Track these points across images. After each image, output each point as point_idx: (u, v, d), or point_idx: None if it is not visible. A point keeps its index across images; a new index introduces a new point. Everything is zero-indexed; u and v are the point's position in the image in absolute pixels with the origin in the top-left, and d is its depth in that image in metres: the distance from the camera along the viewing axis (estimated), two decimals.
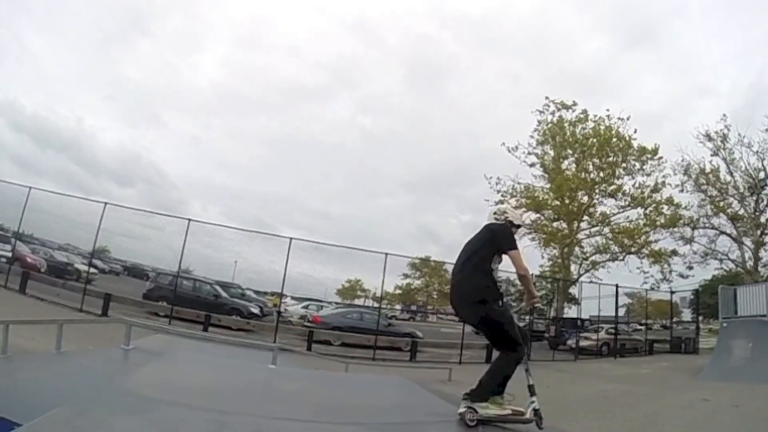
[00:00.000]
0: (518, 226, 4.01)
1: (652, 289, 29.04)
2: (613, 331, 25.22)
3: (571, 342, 24.71)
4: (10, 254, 18.67)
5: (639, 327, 29.56)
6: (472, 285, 3.71)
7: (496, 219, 3.95)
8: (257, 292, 25.02)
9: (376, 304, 38.95)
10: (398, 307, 40.22)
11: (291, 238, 18.79)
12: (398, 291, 40.29)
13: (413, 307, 42.87)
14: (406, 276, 38.34)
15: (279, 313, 20.34)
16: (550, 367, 19.18)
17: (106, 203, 18.03)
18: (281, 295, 20.39)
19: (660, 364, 20.85)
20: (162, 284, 19.88)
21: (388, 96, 66.24)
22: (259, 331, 18.70)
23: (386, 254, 19.36)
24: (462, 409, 3.45)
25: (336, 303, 22.29)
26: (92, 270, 23.02)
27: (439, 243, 59.65)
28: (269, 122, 70.69)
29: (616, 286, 25.25)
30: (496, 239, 3.74)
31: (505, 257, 3.79)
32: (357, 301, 37.76)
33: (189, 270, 22.24)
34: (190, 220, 18.67)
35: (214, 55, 72.73)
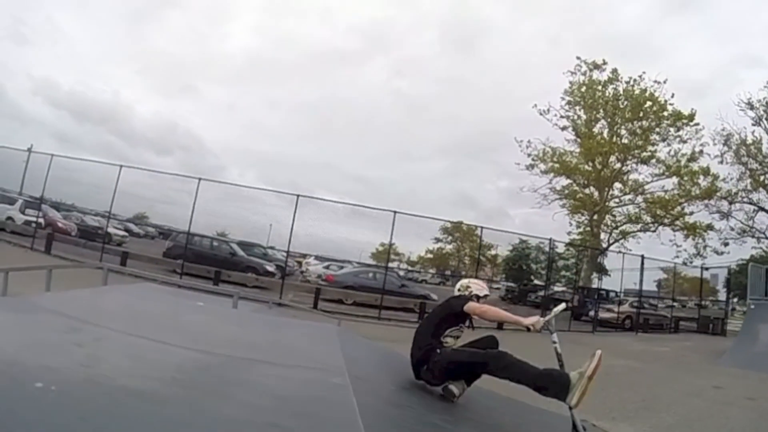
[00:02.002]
0: (485, 296, 4.00)
1: (684, 264, 27.50)
2: (637, 304, 24.06)
3: (593, 313, 23.72)
4: (40, 220, 20.14)
5: (673, 303, 28.34)
6: (414, 348, 3.75)
7: (459, 293, 3.98)
8: (288, 253, 25.08)
9: (410, 268, 39.54)
10: (432, 271, 39.98)
11: (298, 195, 18.98)
12: (429, 255, 39.78)
13: (447, 272, 42.31)
14: (437, 240, 37.60)
15: (285, 270, 20.66)
16: (565, 337, 17.81)
17: (121, 166, 19.09)
18: (287, 253, 20.29)
19: (682, 343, 19.70)
20: (180, 243, 20.45)
21: (423, 59, 63.86)
22: (275, 288, 18.89)
23: (394, 212, 19.22)
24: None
25: (358, 263, 21.89)
26: (123, 233, 26.44)
27: (476, 208, 58.50)
28: (303, 88, 69.92)
29: (642, 256, 23.86)
30: (447, 306, 3.85)
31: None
32: (391, 265, 37.24)
33: (224, 233, 23.75)
34: (200, 179, 19.16)
35: (245, 23, 71.43)
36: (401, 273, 37.57)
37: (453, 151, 64.63)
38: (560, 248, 29.60)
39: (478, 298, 3.93)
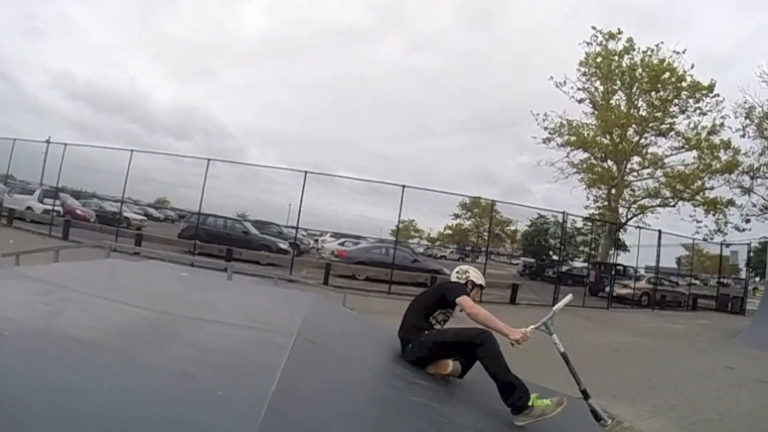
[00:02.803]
0: (481, 286, 3.98)
1: (705, 240, 26.76)
2: (654, 280, 23.55)
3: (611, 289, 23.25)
4: (58, 208, 21.19)
5: (694, 281, 27.76)
6: (402, 325, 3.75)
7: (458, 278, 3.93)
8: (307, 231, 26.08)
9: (429, 244, 39.37)
10: (452, 247, 39.71)
11: (306, 172, 19.12)
12: (448, 231, 39.60)
13: (467, 248, 42.00)
14: (456, 216, 37.18)
15: (299, 247, 21.36)
16: (577, 313, 18.18)
17: (132, 150, 19.62)
18: (296, 228, 20.65)
19: (698, 321, 19.25)
20: (194, 224, 20.90)
21: (439, 34, 62.80)
22: (289, 265, 19.18)
23: (403, 186, 19.12)
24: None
25: (374, 239, 21.78)
26: (141, 217, 27.57)
27: (497, 184, 58.06)
28: (319, 67, 69.34)
29: (659, 231, 23.29)
30: (440, 291, 3.79)
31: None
32: (410, 241, 37.10)
33: (244, 214, 24.41)
34: (209, 159, 19.61)
35: (258, 4, 71.81)
36: (420, 249, 37.75)
37: (473, 127, 63.94)
38: (579, 223, 29.18)
39: (474, 285, 3.92)
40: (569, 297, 3.55)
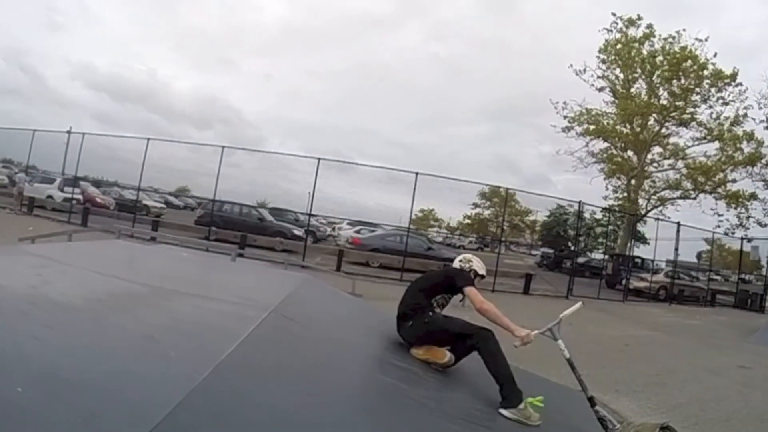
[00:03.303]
0: (482, 276, 3.99)
1: (726, 234, 26.00)
2: (672, 274, 23.12)
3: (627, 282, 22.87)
4: (78, 196, 21.91)
5: (713, 276, 27.18)
6: (403, 303, 3.69)
7: (461, 264, 3.94)
8: (326, 219, 26.98)
9: (449, 234, 39.17)
10: (472, 237, 39.44)
11: (319, 159, 19.17)
12: (467, 221, 39.30)
13: (487, 238, 41.65)
14: (476, 205, 36.83)
15: (313, 233, 21.98)
16: (591, 305, 17.89)
17: (148, 139, 19.84)
18: (309, 215, 20.77)
19: (715, 317, 18.84)
20: (209, 210, 21.38)
21: (460, 21, 61.95)
22: (307, 252, 19.31)
23: (416, 173, 19.07)
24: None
25: (390, 226, 21.76)
26: (161, 205, 28.46)
27: (519, 174, 57.49)
28: (339, 55, 69.58)
29: (678, 224, 22.74)
30: (449, 276, 3.77)
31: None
32: (430, 230, 37.12)
33: (265, 202, 25.05)
34: (224, 147, 19.69)
35: None
36: (439, 239, 37.60)
37: (493, 115, 63.32)
38: (598, 214, 28.73)
39: (476, 275, 3.92)
40: (578, 305, 3.54)
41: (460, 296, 3.70)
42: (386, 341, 3.62)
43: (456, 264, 4.02)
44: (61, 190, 22.50)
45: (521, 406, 2.94)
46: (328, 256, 19.78)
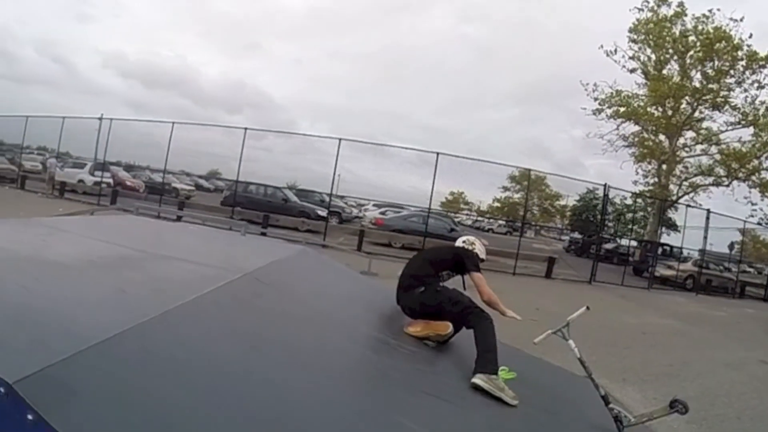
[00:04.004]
0: (482, 260, 3.89)
1: (759, 224, 25.09)
2: (700, 263, 22.44)
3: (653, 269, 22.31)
4: (108, 180, 22.91)
5: (748, 269, 26.35)
6: (410, 272, 3.67)
7: (464, 245, 3.87)
8: (355, 201, 27.51)
9: (479, 217, 38.82)
10: (501, 221, 39.05)
11: (340, 139, 19.25)
12: (497, 204, 38.83)
13: (517, 222, 41.35)
14: (505, 189, 36.23)
15: (334, 213, 22.44)
16: (613, 291, 17.63)
17: (173, 122, 20.46)
18: (330, 196, 20.81)
19: (743, 309, 18.18)
20: (236, 192, 21.81)
21: (490, 1, 60.36)
22: (330, 232, 19.70)
23: (437, 153, 19.08)
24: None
25: (416, 208, 21.61)
26: (190, 188, 29.28)
27: (550, 158, 56.40)
28: (368, 38, 68.80)
29: (707, 211, 22.01)
30: (458, 256, 3.73)
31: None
32: (459, 214, 36.82)
33: (294, 185, 25.42)
34: (246, 129, 20.04)
35: None
36: (469, 222, 37.28)
37: (524, 98, 62.11)
38: (628, 200, 28.03)
39: (477, 257, 3.87)
40: (583, 309, 3.51)
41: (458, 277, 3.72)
42: (371, 314, 3.59)
43: (459, 243, 3.96)
44: (92, 175, 23.50)
45: (495, 377, 2.82)
46: (350, 236, 19.98)
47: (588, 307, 3.52)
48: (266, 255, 4.04)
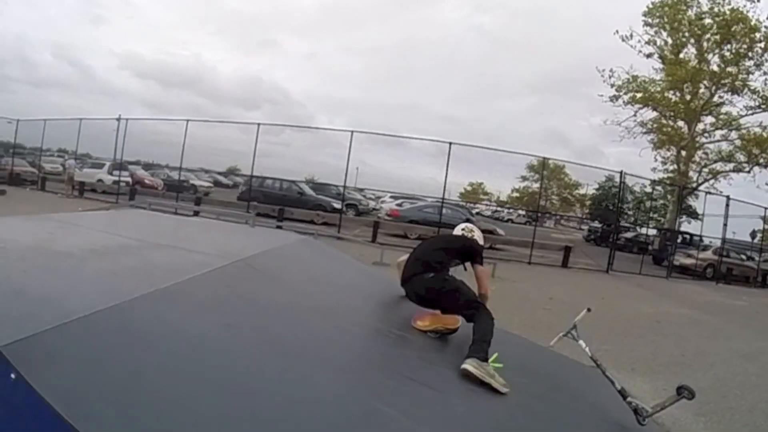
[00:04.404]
0: (483, 247, 4.00)
1: None
2: (720, 251, 21.98)
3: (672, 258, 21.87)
4: (127, 179, 23.73)
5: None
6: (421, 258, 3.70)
7: (464, 233, 3.98)
8: (373, 193, 28.38)
9: (498, 208, 38.59)
10: (522, 210, 38.85)
11: (352, 132, 19.48)
12: (516, 194, 38.78)
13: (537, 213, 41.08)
14: (524, 178, 35.92)
15: (350, 206, 23.21)
16: (631, 280, 17.40)
17: (187, 120, 20.97)
18: (344, 188, 21.15)
19: (763, 298, 17.67)
20: (252, 186, 22.23)
21: None
22: (347, 224, 20.32)
23: (450, 143, 19.01)
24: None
25: (433, 199, 21.61)
26: (208, 184, 30.58)
27: (569, 146, 55.79)
28: (382, 31, 68.42)
29: (727, 197, 21.50)
30: (467, 247, 3.80)
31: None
32: (478, 205, 37.34)
33: (313, 178, 25.58)
34: (259, 124, 20.50)
35: None
36: (488, 212, 37.09)
37: (542, 87, 61.63)
38: (648, 187, 27.58)
39: (482, 249, 3.95)
40: (584, 312, 3.50)
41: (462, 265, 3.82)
42: (362, 301, 3.64)
43: (458, 231, 4.03)
44: (111, 174, 24.22)
45: (485, 363, 2.78)
46: (366, 228, 20.08)
47: (589, 309, 3.52)
48: (265, 244, 4.11)
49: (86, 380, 1.40)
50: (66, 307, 1.67)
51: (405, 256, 3.87)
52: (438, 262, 3.58)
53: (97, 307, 1.71)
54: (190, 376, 1.65)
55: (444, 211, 20.57)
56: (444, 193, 20.27)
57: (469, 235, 3.95)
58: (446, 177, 19.29)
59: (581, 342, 3.38)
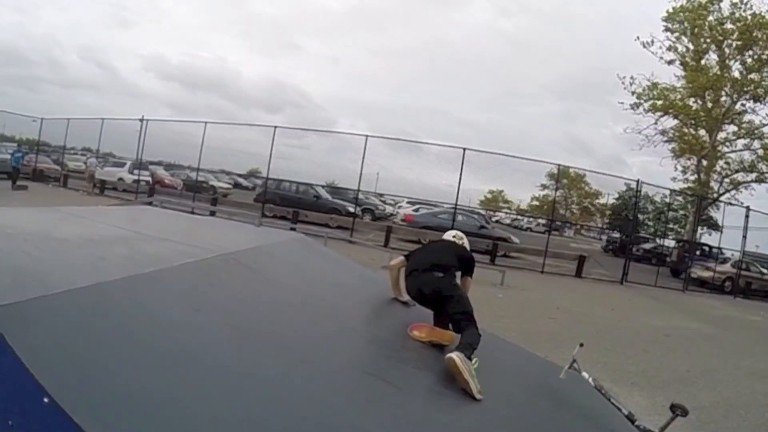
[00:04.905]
0: None
1: None
2: (739, 264, 21.39)
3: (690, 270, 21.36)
4: (146, 178, 24.39)
5: None
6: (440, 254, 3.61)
7: (454, 240, 3.86)
8: (393, 198, 28.52)
9: (517, 216, 38.32)
10: (543, 219, 38.53)
11: (367, 136, 19.65)
12: (535, 203, 38.11)
13: (557, 222, 40.70)
14: (544, 187, 35.61)
15: (366, 210, 23.61)
16: (645, 292, 17.11)
17: (206, 122, 21.45)
18: (357, 191, 21.17)
19: None
20: (269, 189, 22.51)
21: None
22: (361, 228, 20.63)
23: (464, 149, 19.08)
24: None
25: (449, 205, 21.49)
26: (228, 186, 31.16)
27: (592, 155, 55.19)
28: (405, 34, 68.54)
29: (747, 208, 21.01)
30: (466, 258, 3.71)
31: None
32: (498, 213, 37.40)
33: (332, 182, 25.86)
34: (275, 127, 20.69)
35: None
36: (507, 220, 36.79)
37: (565, 94, 61.08)
38: (668, 198, 27.11)
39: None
40: (577, 347, 3.43)
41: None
42: (348, 300, 3.58)
43: (449, 237, 3.92)
44: (131, 173, 24.85)
45: (470, 362, 2.70)
46: (380, 233, 20.19)
47: (582, 344, 3.45)
48: (257, 240, 4.13)
49: (62, 347, 1.52)
50: (52, 282, 1.83)
51: (398, 259, 3.76)
52: (450, 266, 3.52)
53: (80, 284, 1.86)
54: (157, 348, 1.79)
55: (458, 217, 20.48)
56: (457, 199, 20.18)
57: (460, 242, 3.87)
58: (459, 183, 19.26)
59: (584, 374, 3.37)
